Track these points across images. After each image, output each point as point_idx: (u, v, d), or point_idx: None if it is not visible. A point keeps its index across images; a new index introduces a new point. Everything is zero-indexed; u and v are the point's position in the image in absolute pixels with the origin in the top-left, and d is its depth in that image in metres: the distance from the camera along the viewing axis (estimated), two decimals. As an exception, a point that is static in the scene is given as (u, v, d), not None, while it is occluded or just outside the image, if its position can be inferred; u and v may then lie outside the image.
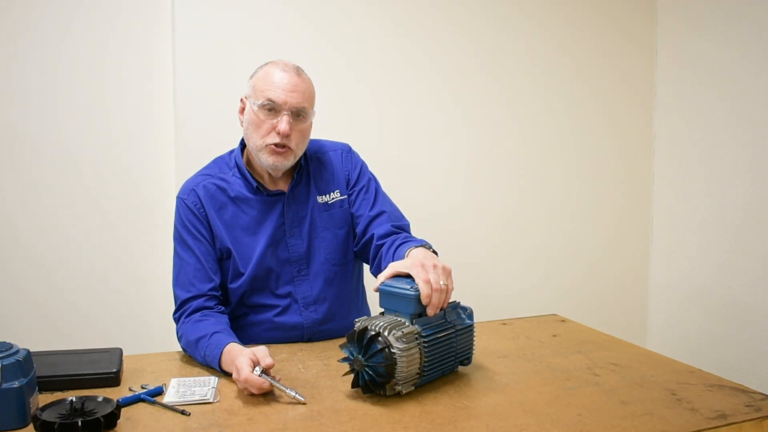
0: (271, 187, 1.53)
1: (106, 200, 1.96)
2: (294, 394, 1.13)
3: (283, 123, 1.42)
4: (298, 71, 1.47)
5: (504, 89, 2.32)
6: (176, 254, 1.51)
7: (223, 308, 1.47)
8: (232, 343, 1.28)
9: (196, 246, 1.47)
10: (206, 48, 1.94)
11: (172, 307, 1.47)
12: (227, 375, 1.25)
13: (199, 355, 1.33)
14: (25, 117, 1.88)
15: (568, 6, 2.38)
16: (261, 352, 1.19)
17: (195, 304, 1.44)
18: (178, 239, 1.51)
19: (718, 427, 1.03)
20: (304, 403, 1.12)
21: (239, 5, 1.97)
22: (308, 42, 2.04)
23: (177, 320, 1.45)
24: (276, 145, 1.44)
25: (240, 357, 1.18)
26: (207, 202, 1.49)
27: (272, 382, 1.15)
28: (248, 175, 1.51)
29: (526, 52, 2.34)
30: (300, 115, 1.45)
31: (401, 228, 1.54)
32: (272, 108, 1.43)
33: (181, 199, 1.51)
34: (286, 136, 1.43)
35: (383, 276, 1.24)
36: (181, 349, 1.44)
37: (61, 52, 1.89)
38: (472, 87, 2.27)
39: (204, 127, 1.95)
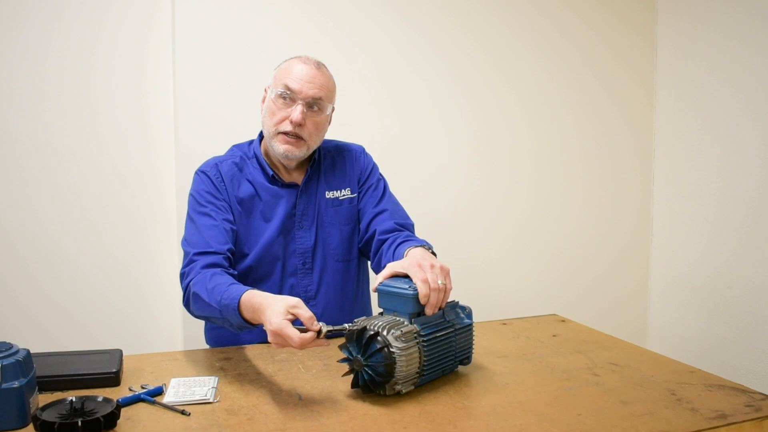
0: (286, 179, 1.56)
1: (105, 201, 1.96)
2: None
3: (296, 112, 1.45)
4: (319, 65, 1.51)
5: (503, 88, 2.32)
6: (190, 221, 1.47)
7: (236, 273, 1.41)
8: (254, 289, 1.22)
9: (215, 212, 1.46)
10: (206, 48, 1.95)
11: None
12: (241, 326, 1.22)
13: (214, 300, 1.25)
14: (25, 117, 1.88)
15: (568, 5, 2.38)
16: (304, 311, 1.12)
17: (211, 258, 1.37)
18: (194, 207, 1.48)
19: (718, 427, 1.03)
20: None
21: (240, 4, 1.97)
22: (310, 41, 2.04)
23: (186, 274, 1.37)
24: (288, 133, 1.46)
25: (280, 304, 1.12)
26: (227, 178, 1.52)
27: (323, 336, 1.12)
28: (265, 164, 1.54)
29: (524, 51, 2.34)
30: (315, 106, 1.48)
31: (404, 226, 1.55)
32: (288, 97, 1.46)
33: (202, 172, 1.53)
34: (299, 125, 1.45)
35: (381, 276, 1.24)
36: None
37: (62, 52, 1.89)
38: (470, 86, 2.28)
39: (203, 128, 1.95)
